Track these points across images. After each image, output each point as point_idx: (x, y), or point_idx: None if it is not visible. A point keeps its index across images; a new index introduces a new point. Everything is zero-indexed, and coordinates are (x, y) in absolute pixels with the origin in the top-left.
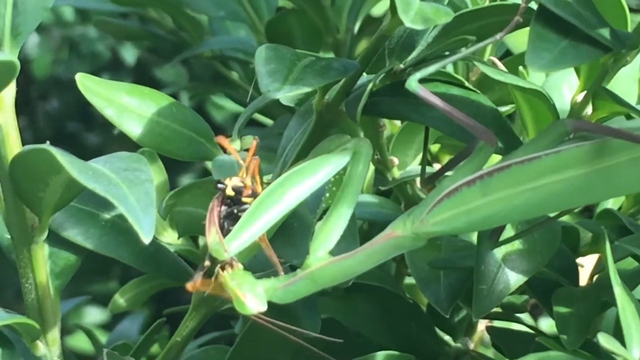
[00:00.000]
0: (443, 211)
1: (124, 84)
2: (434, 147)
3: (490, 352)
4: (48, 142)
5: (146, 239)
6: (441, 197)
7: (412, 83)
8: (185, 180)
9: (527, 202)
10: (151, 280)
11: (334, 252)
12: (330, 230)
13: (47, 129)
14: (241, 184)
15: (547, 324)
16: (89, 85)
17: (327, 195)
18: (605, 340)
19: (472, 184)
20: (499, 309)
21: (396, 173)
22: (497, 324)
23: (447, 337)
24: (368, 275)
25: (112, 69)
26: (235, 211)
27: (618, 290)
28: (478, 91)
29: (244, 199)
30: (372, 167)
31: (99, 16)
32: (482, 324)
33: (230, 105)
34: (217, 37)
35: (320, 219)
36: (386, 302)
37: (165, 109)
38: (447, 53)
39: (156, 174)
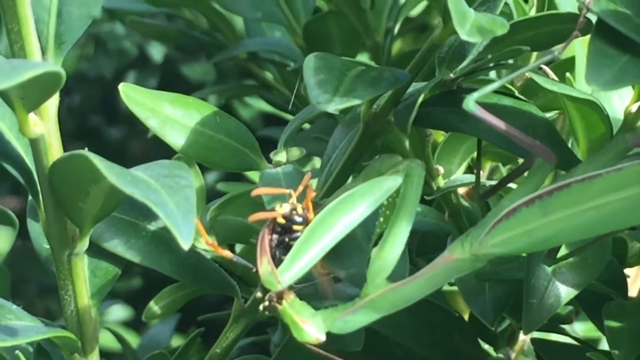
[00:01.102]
0: (502, 232)
1: (167, 94)
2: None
3: None
4: (87, 148)
5: (185, 245)
6: (500, 217)
7: (470, 103)
8: (210, 179)
9: (589, 221)
10: (186, 288)
11: None
12: (387, 257)
13: (68, 123)
14: (293, 212)
15: (581, 329)
16: (132, 95)
17: (381, 219)
18: None
19: (531, 203)
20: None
21: (441, 182)
22: (540, 335)
23: (487, 347)
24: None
25: (138, 66)
26: (287, 240)
27: None
28: (529, 101)
29: (295, 227)
30: None
31: (131, 16)
32: (523, 334)
33: (257, 103)
34: (253, 39)
35: (375, 244)
36: (428, 313)
37: (209, 119)
38: (501, 62)
39: (193, 180)
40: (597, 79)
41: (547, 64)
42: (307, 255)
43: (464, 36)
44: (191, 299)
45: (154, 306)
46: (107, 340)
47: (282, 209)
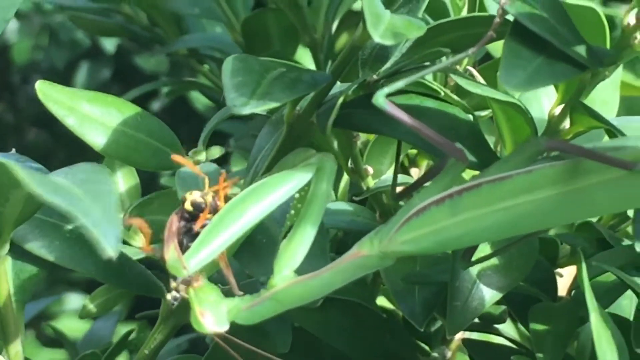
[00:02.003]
0: (411, 230)
1: (85, 92)
2: (412, 152)
3: None
4: (14, 149)
5: (112, 252)
6: (409, 215)
7: (380, 98)
8: (165, 179)
9: (498, 222)
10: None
11: (302, 269)
12: (295, 249)
13: (27, 112)
14: (201, 200)
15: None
16: (49, 93)
17: (292, 212)
18: None
19: (441, 202)
20: (476, 319)
21: (371, 182)
22: (474, 335)
23: (425, 347)
24: (341, 288)
25: (92, 57)
26: (194, 227)
27: (594, 316)
28: (455, 100)
29: (203, 215)
30: (346, 176)
31: (74, 12)
32: (460, 333)
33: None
34: (192, 35)
35: (285, 236)
36: (360, 314)
37: (130, 119)
38: (424, 64)
39: (127, 178)
40: (510, 80)
41: (480, 61)
42: (214, 242)
43: (377, 39)
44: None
45: (89, 304)
46: (65, 327)
47: (192, 196)
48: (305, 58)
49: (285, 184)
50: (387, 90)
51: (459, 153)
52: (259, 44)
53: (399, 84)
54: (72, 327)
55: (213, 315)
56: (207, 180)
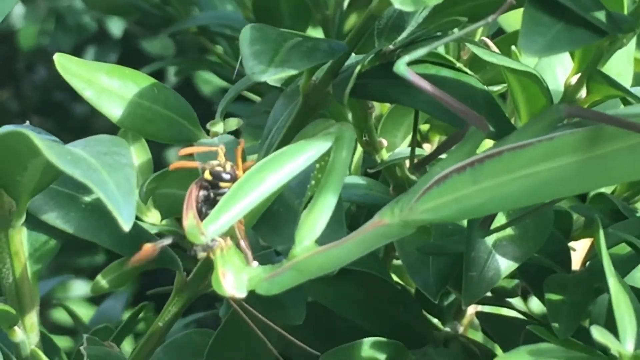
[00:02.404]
0: (432, 199)
1: (103, 65)
2: (424, 127)
3: (479, 336)
4: (28, 122)
5: (126, 227)
6: (430, 184)
7: (401, 66)
8: (171, 155)
9: (519, 190)
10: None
11: (319, 240)
12: (316, 219)
13: (33, 98)
14: (220, 169)
15: (537, 304)
16: (67, 66)
17: (313, 182)
18: (598, 334)
19: (462, 170)
20: (489, 293)
21: (385, 155)
22: (487, 308)
23: (436, 321)
24: (358, 261)
25: (98, 41)
26: (213, 195)
27: (612, 281)
28: (470, 72)
29: (222, 184)
30: (360, 149)
31: None
32: (471, 308)
33: (218, 80)
34: (203, 12)
35: (305, 207)
36: (373, 287)
37: (147, 91)
38: (438, 34)
39: (139, 153)
40: (530, 47)
41: (492, 37)
42: (233, 209)
43: (397, 5)
44: (140, 273)
45: (101, 280)
46: (64, 315)
47: (210, 164)
48: (316, 35)
49: (304, 153)
50: (408, 58)
51: (479, 121)
52: (270, 21)
53: (421, 52)
54: (78, 313)
55: (235, 279)
56: (223, 151)
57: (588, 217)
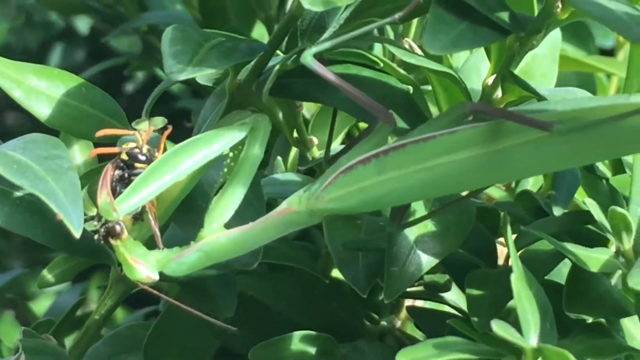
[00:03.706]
0: (338, 188)
1: (32, 66)
2: (363, 125)
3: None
4: None
5: (77, 234)
6: (336, 174)
7: (307, 57)
8: None
9: (421, 182)
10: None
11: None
12: (226, 205)
13: (6, 95)
14: (137, 150)
15: None
16: None
17: (225, 170)
18: (499, 328)
19: (367, 162)
20: (421, 288)
21: (316, 152)
22: (421, 303)
23: (375, 315)
24: (287, 256)
25: (65, 38)
26: (127, 175)
27: (514, 276)
28: (392, 73)
29: (138, 165)
30: (295, 149)
31: None
32: (410, 302)
33: None
34: (152, 12)
35: (217, 193)
36: (307, 283)
37: (75, 90)
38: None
39: (83, 151)
40: (433, 44)
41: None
42: (146, 189)
43: (307, 5)
44: (84, 268)
45: (47, 274)
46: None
47: (127, 146)
48: (263, 35)
49: (219, 140)
50: (314, 49)
51: (386, 115)
52: (216, 21)
53: (326, 45)
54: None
55: (145, 263)
56: (141, 135)
57: (511, 214)
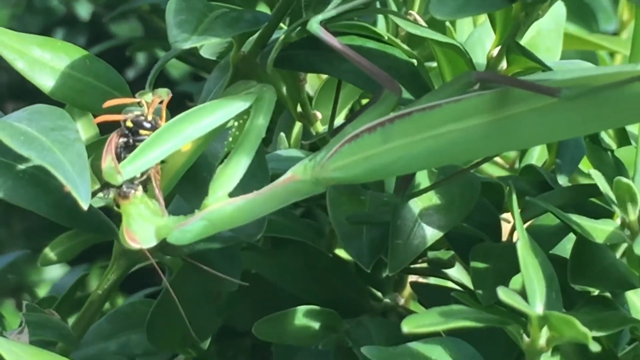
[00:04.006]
0: (343, 157)
1: (35, 36)
2: (365, 101)
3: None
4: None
5: (84, 205)
6: (342, 143)
7: (314, 24)
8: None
9: (427, 150)
10: (82, 234)
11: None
12: (230, 174)
13: (5, 85)
14: (142, 117)
15: None
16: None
17: (230, 139)
18: (505, 295)
19: (373, 130)
20: (425, 265)
21: (320, 127)
22: (422, 280)
23: (379, 293)
24: (292, 231)
25: (66, 24)
26: (132, 142)
27: (520, 244)
28: (393, 44)
29: (142, 132)
30: (298, 124)
31: None
32: (413, 279)
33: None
34: None
35: (221, 162)
36: (311, 258)
37: (79, 62)
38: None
39: (86, 128)
40: (441, 9)
41: None
42: (150, 153)
43: None
44: (92, 245)
45: (49, 253)
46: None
47: (133, 114)
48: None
49: (224, 109)
50: (320, 17)
51: (392, 84)
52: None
53: (332, 12)
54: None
55: (140, 231)
56: (147, 103)
57: (517, 189)
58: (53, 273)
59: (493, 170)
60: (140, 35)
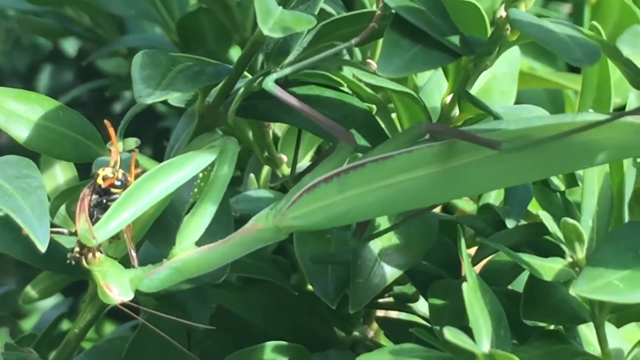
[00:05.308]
0: (302, 206)
1: (11, 90)
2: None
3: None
4: None
5: (42, 248)
6: (301, 192)
7: (269, 83)
8: None
9: (380, 199)
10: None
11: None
12: (197, 223)
13: None
14: (112, 175)
15: None
16: None
17: (196, 190)
18: (451, 334)
19: (329, 180)
20: (391, 299)
21: (285, 170)
22: (393, 314)
23: (348, 327)
24: (261, 271)
25: (53, 60)
26: (105, 201)
27: (466, 285)
28: (349, 93)
29: (113, 190)
30: (267, 167)
31: (18, 14)
32: (382, 313)
33: None
34: (131, 35)
35: (187, 212)
36: (279, 295)
37: (52, 113)
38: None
39: (65, 171)
40: (387, 67)
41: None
42: (123, 215)
43: (266, 32)
44: (68, 284)
45: (30, 291)
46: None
47: (104, 171)
48: (239, 55)
49: (190, 164)
50: (275, 75)
51: (346, 136)
52: (194, 44)
53: (287, 70)
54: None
55: (117, 286)
56: (118, 159)
57: (473, 227)
58: (45, 301)
59: (460, 203)
60: (126, 71)
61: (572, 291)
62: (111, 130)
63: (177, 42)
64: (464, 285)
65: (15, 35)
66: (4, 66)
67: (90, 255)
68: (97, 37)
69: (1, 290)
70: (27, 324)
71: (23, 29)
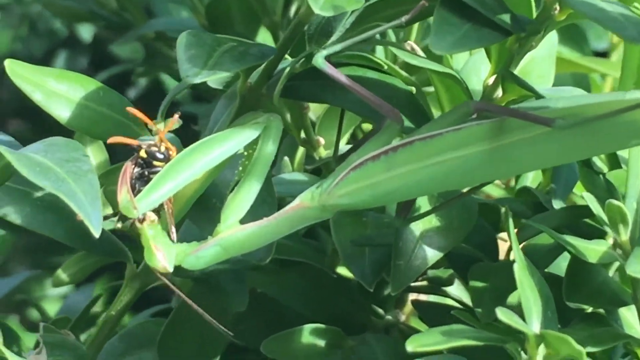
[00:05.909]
0: (349, 184)
1: (52, 69)
2: (366, 126)
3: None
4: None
5: (96, 233)
6: (347, 171)
7: (319, 59)
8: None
9: (429, 177)
10: (93, 256)
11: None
12: (241, 201)
13: (10, 102)
14: (155, 148)
15: None
16: (17, 71)
17: (240, 168)
18: (504, 315)
19: (377, 158)
20: (425, 283)
21: (322, 152)
22: (422, 297)
23: (380, 310)
24: (297, 252)
25: (69, 46)
26: (147, 173)
27: (517, 266)
28: (396, 75)
29: (156, 163)
30: (301, 148)
31: None
32: (414, 296)
33: None
34: (159, 19)
35: (232, 190)
36: (315, 278)
37: (93, 93)
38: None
39: (96, 154)
40: (439, 44)
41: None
42: (164, 187)
43: (317, 10)
44: (99, 266)
45: (61, 274)
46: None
47: (146, 144)
48: (267, 40)
49: (233, 139)
50: (325, 52)
51: (394, 114)
52: (222, 27)
53: (337, 47)
54: (54, 311)
55: (165, 253)
56: (160, 134)
57: (513, 210)
58: (57, 289)
59: (491, 189)
60: (141, 56)
61: (612, 274)
62: (139, 114)
63: (205, 26)
64: (516, 266)
65: (30, 20)
66: (20, 51)
67: (148, 214)
68: (123, 21)
69: (18, 277)
70: (34, 314)
71: (45, 14)
